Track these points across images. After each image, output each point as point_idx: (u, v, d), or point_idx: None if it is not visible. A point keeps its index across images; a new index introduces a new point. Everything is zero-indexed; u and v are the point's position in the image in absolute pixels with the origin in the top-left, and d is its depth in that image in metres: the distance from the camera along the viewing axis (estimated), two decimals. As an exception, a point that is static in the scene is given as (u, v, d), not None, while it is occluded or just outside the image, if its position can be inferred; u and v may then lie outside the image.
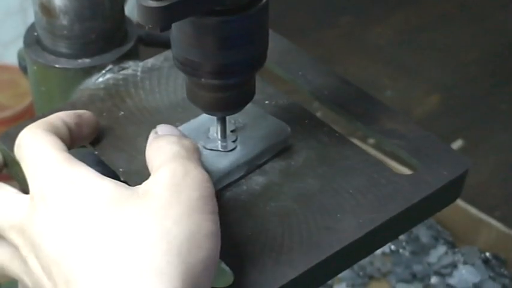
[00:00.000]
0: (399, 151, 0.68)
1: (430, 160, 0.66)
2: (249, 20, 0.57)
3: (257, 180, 0.65)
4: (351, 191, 0.64)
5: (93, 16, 0.74)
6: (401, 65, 1.59)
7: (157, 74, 0.74)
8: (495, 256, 1.37)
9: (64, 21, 0.74)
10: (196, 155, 0.59)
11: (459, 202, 1.27)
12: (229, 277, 0.57)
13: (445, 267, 1.35)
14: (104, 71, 0.75)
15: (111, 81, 0.74)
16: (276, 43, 0.78)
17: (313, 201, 0.63)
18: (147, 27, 0.52)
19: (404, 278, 1.33)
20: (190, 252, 0.52)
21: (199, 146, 0.65)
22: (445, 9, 1.68)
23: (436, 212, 0.67)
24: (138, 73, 0.74)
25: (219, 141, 0.65)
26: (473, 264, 1.34)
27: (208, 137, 0.66)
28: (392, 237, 0.65)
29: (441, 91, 1.56)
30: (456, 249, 1.39)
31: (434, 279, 1.35)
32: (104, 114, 0.70)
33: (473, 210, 1.26)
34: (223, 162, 0.64)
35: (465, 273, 1.32)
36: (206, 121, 0.67)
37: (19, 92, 1.31)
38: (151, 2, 0.51)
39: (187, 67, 0.59)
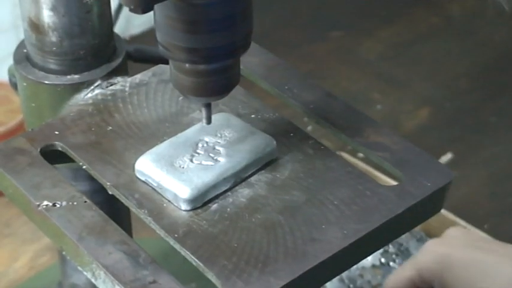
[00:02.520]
0: (383, 163, 0.69)
1: (413, 171, 0.67)
2: (232, 2, 0.58)
3: (243, 192, 0.66)
4: (335, 202, 0.65)
5: (82, 33, 0.75)
6: (391, 79, 1.60)
7: (145, 89, 0.75)
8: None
9: (53, 38, 0.75)
10: None
11: (448, 214, 1.28)
12: None
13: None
14: (92, 87, 0.76)
15: (99, 97, 0.75)
16: (262, 57, 0.79)
17: (299, 213, 0.64)
18: (129, 9, 0.53)
19: None
20: None
21: (186, 159, 0.66)
22: (434, 24, 1.70)
23: (420, 223, 0.68)
24: (127, 88, 0.75)
25: (206, 155, 0.66)
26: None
27: (195, 151, 0.67)
28: (376, 247, 0.66)
29: (431, 104, 1.57)
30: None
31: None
32: (93, 129, 0.71)
33: (462, 223, 1.27)
34: (209, 175, 0.65)
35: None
36: (193, 135, 0.68)
37: (11, 108, 1.32)
38: None
39: (170, 51, 0.60)
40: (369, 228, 0.62)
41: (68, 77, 0.76)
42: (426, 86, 1.59)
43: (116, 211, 0.71)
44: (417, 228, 1.40)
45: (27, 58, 0.78)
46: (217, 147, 0.67)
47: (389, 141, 0.70)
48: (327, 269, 0.61)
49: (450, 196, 1.22)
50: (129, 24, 1.72)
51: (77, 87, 0.76)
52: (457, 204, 1.32)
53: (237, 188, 0.66)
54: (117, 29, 1.70)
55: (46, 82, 0.76)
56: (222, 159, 0.66)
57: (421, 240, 1.37)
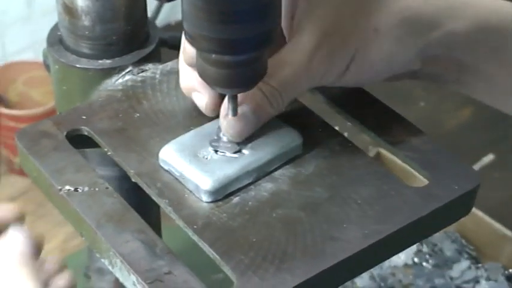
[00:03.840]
0: (410, 163, 0.67)
1: (441, 173, 0.66)
2: None
3: (266, 186, 0.65)
4: (358, 201, 0.63)
5: (114, 18, 0.74)
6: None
7: (176, 77, 0.74)
8: (518, 273, 1.36)
9: (86, 22, 0.74)
10: None
11: (484, 217, 1.26)
12: None
13: (467, 282, 1.33)
14: (123, 73, 0.76)
15: (129, 83, 0.74)
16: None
17: (320, 210, 0.63)
18: None
19: (425, 291, 1.32)
20: None
21: (210, 150, 0.65)
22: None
23: (446, 226, 0.67)
24: (157, 76, 0.75)
25: (230, 146, 0.66)
26: (496, 281, 1.33)
27: (220, 142, 0.66)
28: (399, 249, 0.64)
29: (473, 104, 1.55)
30: (479, 265, 1.37)
31: (456, 294, 1.34)
32: (120, 115, 0.71)
33: (497, 226, 1.25)
34: (232, 167, 0.64)
35: (488, 289, 1.31)
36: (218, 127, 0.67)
37: (49, 90, 1.33)
38: None
39: (196, 41, 0.59)
40: (390, 230, 0.61)
41: (100, 61, 0.76)
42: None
43: (143, 197, 0.71)
44: (451, 229, 1.38)
45: (61, 41, 0.78)
46: (234, 145, 0.66)
47: (418, 141, 0.69)
48: (345, 268, 0.60)
49: (488, 197, 1.20)
50: (174, 9, 1.72)
51: (108, 72, 0.76)
52: (495, 205, 1.30)
53: (260, 181, 0.65)
54: (163, 13, 1.71)
55: (77, 66, 0.76)
56: (246, 152, 0.65)
57: (455, 242, 1.36)
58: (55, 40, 0.78)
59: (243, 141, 0.66)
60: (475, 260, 1.38)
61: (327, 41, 0.64)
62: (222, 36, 0.58)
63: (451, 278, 1.33)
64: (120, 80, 0.75)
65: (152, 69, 0.76)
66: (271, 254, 0.59)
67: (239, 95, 0.64)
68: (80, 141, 0.70)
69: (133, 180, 0.66)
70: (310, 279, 0.58)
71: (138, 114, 0.71)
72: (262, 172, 0.65)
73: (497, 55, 0.69)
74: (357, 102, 0.72)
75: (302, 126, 0.69)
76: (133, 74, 0.75)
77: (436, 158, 0.67)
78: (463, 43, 0.68)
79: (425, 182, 0.66)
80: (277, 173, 0.66)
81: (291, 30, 0.67)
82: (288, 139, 0.67)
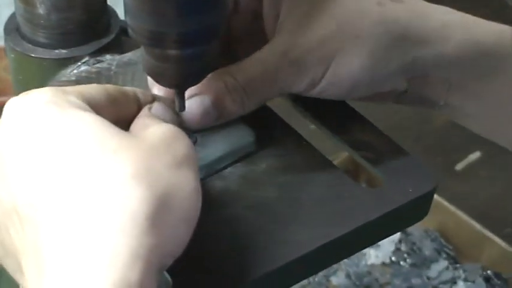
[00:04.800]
0: (366, 164, 0.65)
1: (396, 175, 0.63)
2: None
3: (214, 185, 0.63)
4: (309, 202, 0.61)
5: (70, 6, 0.72)
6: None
7: (132, 69, 0.72)
8: (497, 275, 1.33)
9: (41, 10, 0.72)
10: None
11: (464, 217, 1.24)
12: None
13: (445, 282, 1.31)
14: (79, 63, 0.73)
15: (83, 74, 0.72)
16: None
17: (268, 211, 0.61)
18: None
19: (401, 291, 1.30)
20: (173, 207, 0.49)
21: None
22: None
23: (400, 230, 0.65)
24: (113, 67, 0.73)
25: None
26: (473, 282, 1.30)
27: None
28: (349, 252, 0.62)
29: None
30: (458, 265, 1.35)
31: (431, 294, 1.32)
32: (71, 107, 0.68)
33: (478, 227, 1.22)
34: (179, 164, 0.62)
35: (464, 291, 1.29)
36: (169, 121, 0.65)
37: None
38: None
39: (140, 35, 0.56)
40: (339, 233, 0.59)
41: (56, 51, 0.74)
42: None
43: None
44: (432, 228, 1.36)
45: (18, 29, 0.76)
46: (191, 135, 0.64)
47: (375, 141, 0.66)
48: (290, 272, 0.58)
49: (473, 196, 1.17)
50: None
51: (64, 63, 0.74)
52: (479, 205, 1.27)
53: (208, 179, 0.63)
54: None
55: (32, 55, 0.74)
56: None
57: (435, 241, 1.34)
58: (12, 28, 0.76)
59: (192, 137, 0.64)
60: (454, 260, 1.36)
61: (301, 45, 0.61)
62: (166, 30, 0.56)
63: (428, 278, 1.31)
64: (75, 71, 0.73)
65: (109, 61, 0.73)
66: (215, 255, 0.57)
67: (199, 85, 0.62)
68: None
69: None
70: (252, 281, 0.56)
71: None
72: (211, 170, 0.63)
73: (490, 78, 0.66)
74: (318, 100, 0.69)
75: (257, 123, 0.67)
76: (89, 65, 0.73)
77: (393, 159, 0.65)
78: (453, 64, 0.65)
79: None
80: (227, 171, 0.64)
81: (273, 30, 0.64)
82: (239, 136, 0.64)
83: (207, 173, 0.63)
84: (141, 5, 0.55)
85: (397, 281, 1.31)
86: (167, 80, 0.59)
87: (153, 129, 0.52)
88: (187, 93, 0.62)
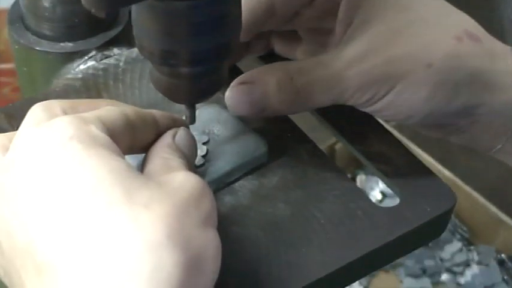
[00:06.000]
0: (382, 178, 0.62)
1: (413, 192, 0.61)
2: (212, 5, 0.51)
3: (224, 199, 0.60)
4: (322, 221, 0.59)
5: (76, -1, 0.69)
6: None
7: (141, 66, 0.69)
8: (511, 258, 1.31)
9: (46, 2, 0.69)
10: None
11: (479, 198, 1.21)
12: None
13: (458, 265, 1.29)
14: (85, 58, 0.71)
15: (90, 71, 0.69)
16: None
17: (280, 230, 0.58)
18: (91, 11, 0.47)
19: (413, 272, 1.28)
20: (200, 268, 0.46)
21: None
22: None
23: (415, 249, 0.62)
24: (121, 63, 0.70)
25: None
26: (487, 265, 1.28)
27: (177, 148, 0.61)
28: (362, 274, 0.60)
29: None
30: (472, 247, 1.33)
31: (444, 277, 1.29)
32: (77, 109, 0.66)
33: (493, 209, 1.20)
34: (188, 178, 0.60)
35: (478, 274, 1.27)
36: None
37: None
38: None
39: (150, 53, 0.54)
40: (352, 257, 0.57)
41: (62, 44, 0.71)
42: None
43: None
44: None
45: (22, 19, 0.73)
46: (202, 146, 0.62)
47: (393, 153, 0.64)
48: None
49: (488, 172, 1.14)
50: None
51: (70, 57, 0.71)
52: (495, 179, 1.24)
53: (218, 194, 0.61)
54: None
55: (37, 48, 0.71)
56: (205, 161, 0.61)
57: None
58: (16, 17, 0.73)
59: (202, 149, 0.61)
60: (468, 242, 1.34)
61: (372, 59, 0.58)
62: (178, 49, 0.53)
63: (441, 260, 1.30)
64: (82, 67, 0.70)
65: (116, 56, 0.71)
66: (220, 280, 0.55)
67: (253, 72, 0.60)
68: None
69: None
70: None
71: None
72: (221, 183, 0.61)
73: None
74: (334, 107, 0.67)
75: (270, 130, 0.64)
76: (96, 60, 0.70)
77: (410, 173, 0.62)
78: None
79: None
80: (237, 184, 0.61)
81: (344, 37, 0.61)
82: (252, 147, 0.62)
83: (217, 187, 0.60)
84: (152, 24, 0.52)
85: (409, 263, 1.29)
86: (178, 96, 0.57)
87: (181, 179, 0.49)
88: (238, 79, 0.60)
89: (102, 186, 0.45)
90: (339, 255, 0.57)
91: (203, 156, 0.61)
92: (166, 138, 0.54)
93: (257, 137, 0.63)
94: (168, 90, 0.56)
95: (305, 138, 0.65)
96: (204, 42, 0.52)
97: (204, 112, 0.63)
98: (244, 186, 0.61)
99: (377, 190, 1.34)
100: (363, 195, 0.61)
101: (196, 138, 0.62)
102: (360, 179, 1.34)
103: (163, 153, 0.53)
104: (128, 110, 0.53)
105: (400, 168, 0.63)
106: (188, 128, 0.57)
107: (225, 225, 0.58)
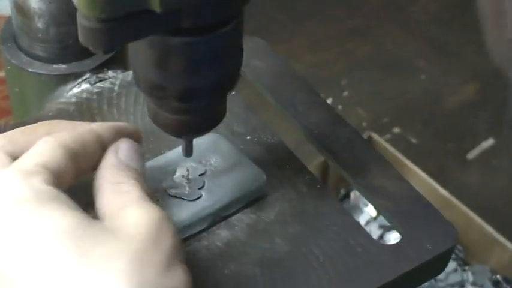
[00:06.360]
0: (384, 213, 0.61)
1: (415, 228, 0.59)
2: (211, 42, 0.50)
3: (220, 235, 0.59)
4: (321, 258, 0.57)
5: (69, 20, 0.67)
6: (442, 46, 1.49)
7: (136, 90, 0.68)
8: (506, 279, 1.30)
9: (39, 24, 0.67)
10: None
11: (475, 217, 1.20)
12: None
13: (452, 285, 1.28)
14: (79, 80, 0.69)
15: (84, 95, 0.68)
16: (270, 62, 0.71)
17: (278, 268, 0.57)
18: (90, 48, 0.46)
19: (408, 292, 1.26)
20: None
21: (162, 190, 0.59)
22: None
23: (415, 287, 0.60)
24: (115, 87, 0.68)
25: (185, 186, 0.59)
26: (482, 286, 1.27)
27: (173, 180, 0.60)
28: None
29: (479, 80, 1.47)
30: (466, 267, 1.32)
31: (439, 297, 1.29)
32: (70, 135, 0.64)
33: (488, 228, 1.19)
34: (185, 212, 0.58)
35: (472, 296, 1.26)
36: (174, 160, 0.61)
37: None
38: (92, 23, 0.44)
39: (147, 87, 0.52)
40: (351, 298, 0.55)
41: (55, 66, 0.69)
42: (478, 58, 1.48)
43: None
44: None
45: (14, 39, 0.71)
46: (198, 178, 0.60)
47: (395, 187, 0.62)
48: None
49: (483, 188, 1.13)
50: None
51: (63, 78, 0.69)
52: (490, 197, 1.23)
53: (215, 228, 0.59)
54: None
55: (29, 70, 0.69)
56: (201, 194, 0.59)
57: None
58: (9, 36, 0.71)
59: (199, 181, 0.60)
60: (462, 262, 1.33)
61: None
62: (179, 86, 0.51)
63: (436, 280, 1.28)
64: (75, 90, 0.68)
65: (111, 79, 0.69)
66: (218, 319, 0.54)
67: None
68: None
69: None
70: None
71: None
72: (218, 217, 0.59)
73: None
74: (335, 135, 0.65)
75: (268, 160, 0.63)
76: (90, 83, 0.69)
77: (412, 209, 0.61)
78: None
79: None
80: (234, 218, 0.60)
81: None
82: (250, 179, 0.60)
83: (214, 221, 0.59)
84: (149, 58, 0.50)
85: (403, 282, 1.28)
86: (175, 131, 0.55)
87: (135, 219, 0.46)
88: None
89: (56, 250, 0.44)
90: (338, 295, 0.55)
91: (200, 189, 0.59)
92: (110, 158, 0.52)
93: (255, 168, 0.61)
94: (165, 125, 0.55)
95: (303, 169, 0.63)
96: (203, 79, 0.51)
97: (201, 141, 0.61)
98: (242, 220, 0.60)
99: (371, 206, 1.32)
100: (362, 230, 0.60)
101: (193, 168, 0.60)
102: (354, 194, 1.33)
103: (111, 177, 0.50)
104: (66, 138, 0.50)
105: (400, 203, 0.61)
106: (139, 135, 0.55)
107: (222, 262, 0.57)
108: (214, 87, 0.51)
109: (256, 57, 0.71)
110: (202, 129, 0.55)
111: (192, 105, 0.52)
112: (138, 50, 0.50)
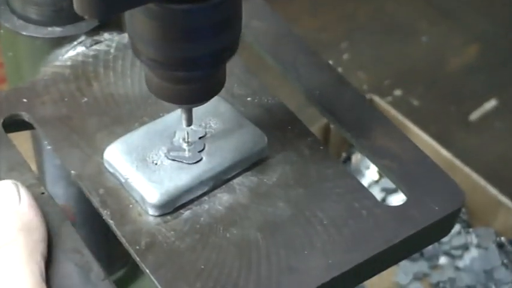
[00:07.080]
0: (389, 175, 0.60)
1: (421, 189, 0.58)
2: (210, 11, 0.48)
3: (222, 198, 0.57)
4: (324, 221, 0.56)
5: (64, -18, 0.66)
6: (443, 8, 1.47)
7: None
8: (511, 241, 1.29)
9: (32, -15, 0.66)
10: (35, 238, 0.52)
11: (479, 179, 1.18)
12: None
13: (456, 248, 1.27)
14: (74, 43, 0.67)
15: (79, 58, 0.66)
16: (271, 24, 0.69)
17: (280, 232, 0.56)
18: (85, 17, 0.44)
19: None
20: None
21: (161, 153, 0.58)
22: None
23: (421, 249, 0.60)
24: (112, 50, 0.67)
25: (185, 149, 0.58)
26: (486, 248, 1.26)
27: (172, 143, 0.58)
28: (366, 277, 0.57)
29: (481, 41, 1.44)
30: (470, 229, 1.31)
31: (442, 260, 1.27)
32: (66, 99, 0.63)
33: (492, 191, 1.17)
34: (185, 176, 0.57)
35: (477, 258, 1.24)
36: (173, 123, 0.60)
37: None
38: None
39: (145, 58, 0.51)
40: (357, 261, 0.54)
41: (49, 29, 0.68)
42: (479, 19, 1.46)
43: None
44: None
45: (8, 2, 0.69)
46: (198, 140, 0.59)
47: (399, 148, 0.61)
48: (303, 304, 0.54)
49: (486, 150, 1.12)
50: None
51: (58, 42, 0.67)
52: (493, 161, 1.22)
53: (216, 191, 0.58)
54: None
55: (23, 33, 0.67)
56: (202, 157, 0.58)
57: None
58: (2, 0, 0.70)
59: (199, 144, 0.58)
60: (466, 224, 1.32)
61: None
62: (177, 55, 0.50)
63: (439, 243, 1.27)
64: (71, 53, 0.67)
65: (107, 41, 0.67)
66: (220, 285, 0.53)
67: None
68: (19, 125, 0.62)
69: (74, 182, 0.59)
70: None
71: (86, 99, 0.63)
72: (219, 181, 0.58)
73: None
74: (337, 96, 0.64)
75: (269, 122, 0.61)
76: (86, 46, 0.67)
77: (417, 169, 0.59)
78: None
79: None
80: (236, 181, 0.58)
81: None
82: (251, 142, 0.59)
83: (214, 185, 0.58)
84: (147, 28, 0.49)
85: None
86: (175, 100, 0.54)
87: None
88: None
89: None
90: (343, 258, 0.54)
91: (200, 152, 0.58)
92: None
93: (256, 130, 0.60)
94: (164, 94, 0.53)
95: (306, 131, 0.62)
96: (202, 47, 0.49)
97: (201, 104, 0.60)
98: (243, 183, 0.58)
99: (373, 169, 1.31)
100: (367, 192, 0.58)
101: (193, 131, 0.59)
102: (356, 158, 1.31)
103: None
104: None
105: (405, 164, 0.60)
106: None
107: (223, 227, 0.56)
108: (213, 55, 0.50)
109: (255, 17, 0.69)
110: (201, 99, 0.54)
111: (191, 74, 0.51)
112: (134, 19, 0.49)
